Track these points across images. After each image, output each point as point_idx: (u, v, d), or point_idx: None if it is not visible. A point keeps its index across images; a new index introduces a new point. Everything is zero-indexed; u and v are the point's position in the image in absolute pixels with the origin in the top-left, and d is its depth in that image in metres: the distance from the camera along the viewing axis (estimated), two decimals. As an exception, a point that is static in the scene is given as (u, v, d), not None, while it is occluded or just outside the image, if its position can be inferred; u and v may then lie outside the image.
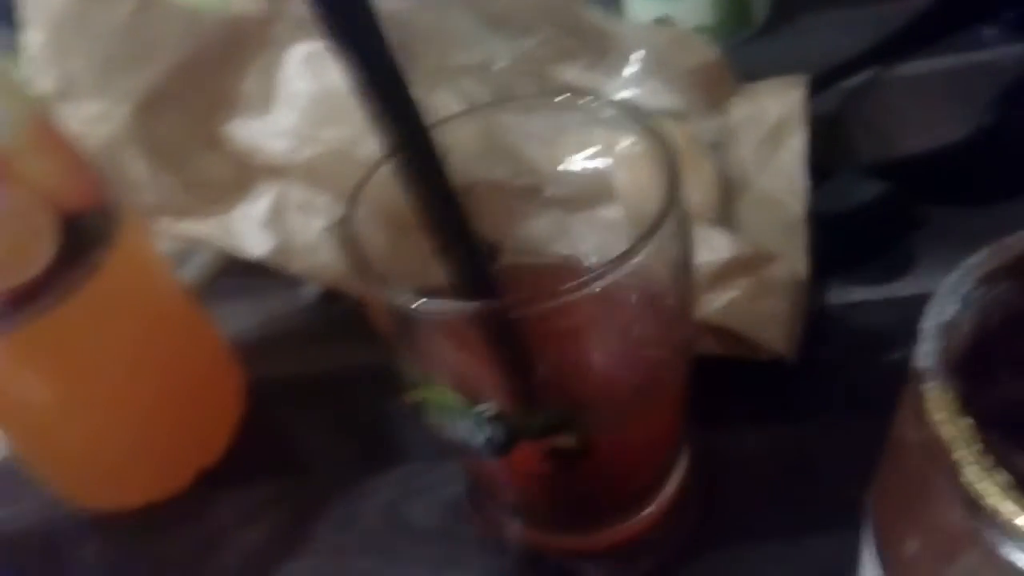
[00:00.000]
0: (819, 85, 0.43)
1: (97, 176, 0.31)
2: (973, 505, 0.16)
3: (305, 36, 0.38)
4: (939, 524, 0.18)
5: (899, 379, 0.20)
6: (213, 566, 0.33)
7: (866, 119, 0.43)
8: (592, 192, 0.30)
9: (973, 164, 0.39)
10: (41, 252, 0.28)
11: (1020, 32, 0.46)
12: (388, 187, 0.27)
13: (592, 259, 0.30)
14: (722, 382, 0.31)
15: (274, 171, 0.39)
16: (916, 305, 0.19)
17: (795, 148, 0.38)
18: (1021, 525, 0.15)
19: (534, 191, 0.32)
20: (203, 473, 0.35)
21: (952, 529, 0.17)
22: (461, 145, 0.29)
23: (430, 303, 0.21)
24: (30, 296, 0.28)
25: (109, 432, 0.33)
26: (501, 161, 0.31)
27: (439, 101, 0.39)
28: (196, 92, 0.39)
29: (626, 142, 0.27)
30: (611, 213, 0.29)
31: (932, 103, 0.44)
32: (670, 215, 0.22)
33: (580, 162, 0.29)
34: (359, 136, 0.37)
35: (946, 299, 0.18)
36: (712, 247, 0.33)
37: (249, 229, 0.39)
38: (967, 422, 0.16)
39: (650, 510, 0.29)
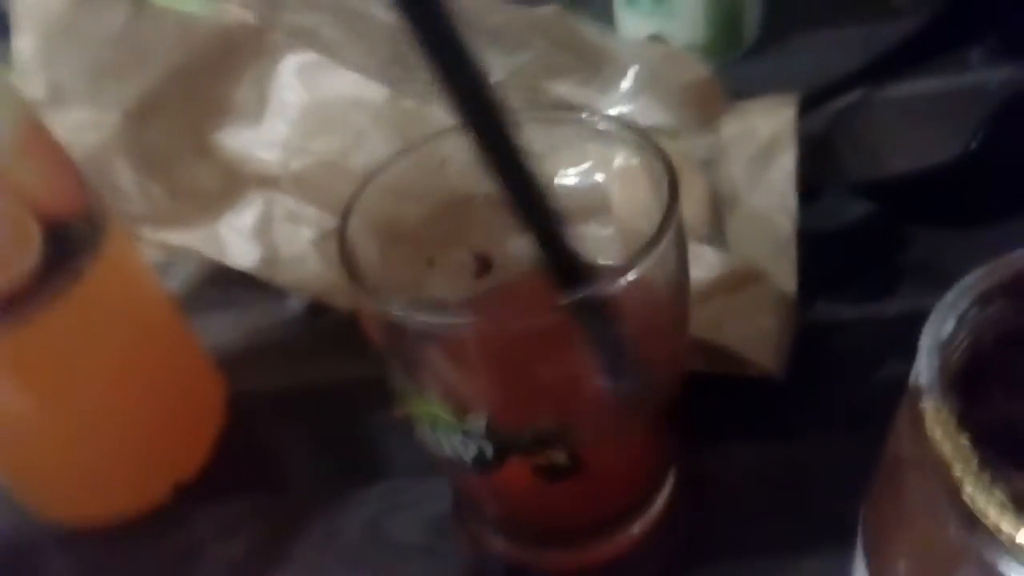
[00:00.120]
0: (809, 104, 0.43)
1: (83, 183, 0.31)
2: (972, 522, 0.15)
3: (298, 46, 0.38)
4: (935, 541, 0.17)
5: (887, 397, 0.20)
6: (191, 580, 0.32)
7: (855, 139, 0.44)
8: (584, 207, 0.30)
9: (961, 185, 0.40)
10: (26, 258, 0.28)
11: (1008, 55, 0.47)
12: (381, 199, 0.27)
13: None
14: (711, 399, 0.31)
15: (263, 181, 0.38)
16: (903, 324, 0.20)
17: (785, 166, 0.38)
18: (1021, 542, 0.15)
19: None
20: (181, 487, 0.34)
21: (948, 546, 0.17)
22: (455, 158, 0.29)
23: (422, 313, 0.21)
24: (14, 303, 0.27)
25: (86, 443, 0.32)
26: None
27: (432, 116, 0.38)
28: (187, 101, 0.39)
29: (622, 157, 0.27)
30: (604, 229, 0.29)
31: (920, 124, 0.44)
32: (668, 229, 0.22)
33: (573, 177, 0.29)
34: (349, 148, 0.37)
35: (943, 317, 0.18)
36: (702, 264, 0.33)
37: (236, 239, 0.38)
38: (965, 439, 0.16)
39: (637, 528, 0.29)
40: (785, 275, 0.35)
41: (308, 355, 0.39)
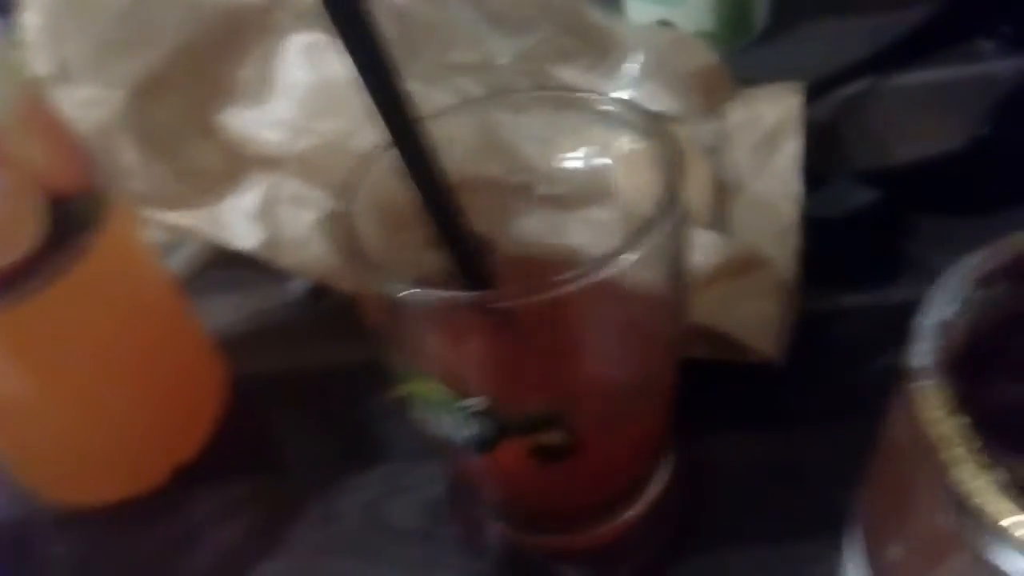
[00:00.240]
0: (816, 92, 0.43)
1: (87, 160, 0.31)
2: (961, 506, 0.15)
3: (305, 26, 0.38)
4: (927, 525, 0.17)
5: (887, 384, 0.19)
6: (188, 564, 0.32)
7: (862, 127, 0.43)
8: (587, 191, 0.30)
9: (966, 174, 0.40)
10: (28, 234, 0.28)
11: (1016, 46, 0.46)
12: (383, 180, 0.27)
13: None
14: (710, 384, 0.31)
15: (267, 162, 0.38)
16: (905, 312, 0.19)
17: (790, 153, 0.38)
18: (1007, 526, 0.15)
19: (529, 189, 0.32)
20: (181, 468, 0.35)
21: (940, 530, 0.17)
22: (456, 140, 0.28)
23: (423, 292, 0.21)
24: (16, 278, 0.27)
25: (85, 424, 0.33)
26: (496, 157, 0.31)
27: (436, 99, 0.38)
28: (193, 79, 0.39)
29: (626, 140, 0.27)
30: (606, 213, 0.29)
31: (928, 114, 0.44)
32: (669, 212, 0.22)
33: (576, 161, 0.29)
34: (355, 129, 0.37)
35: (943, 299, 0.18)
36: (704, 249, 0.33)
37: (239, 221, 0.38)
38: (963, 420, 0.16)
39: (633, 512, 0.29)
40: (787, 262, 0.35)
41: (309, 338, 0.39)
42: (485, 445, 0.23)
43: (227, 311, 0.41)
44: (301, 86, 0.37)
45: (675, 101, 0.41)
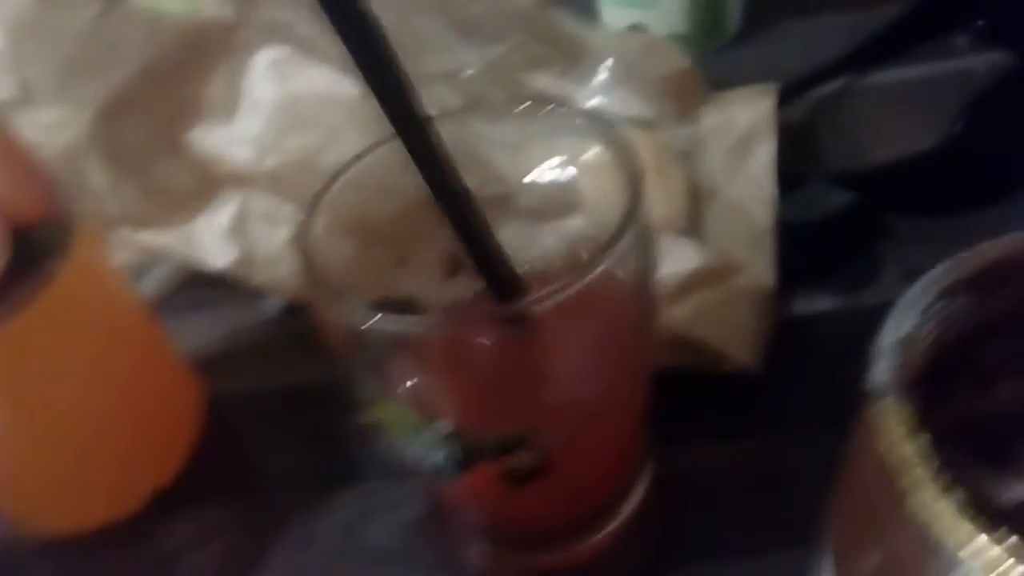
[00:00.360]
0: (791, 93, 0.43)
1: (51, 185, 0.30)
2: (927, 527, 0.15)
3: (271, 42, 0.38)
4: (893, 546, 0.17)
5: (863, 390, 0.19)
6: (166, 589, 0.32)
7: (836, 128, 0.43)
8: (560, 202, 0.30)
9: (942, 173, 0.39)
10: (-8, 262, 0.27)
11: (990, 41, 0.46)
12: (351, 196, 0.26)
13: (559, 269, 0.30)
14: (686, 394, 0.31)
15: (238, 180, 0.38)
16: (883, 315, 0.19)
17: (763, 157, 0.37)
18: (968, 553, 0.14)
19: (502, 200, 0.31)
20: (157, 494, 0.34)
21: (905, 551, 0.17)
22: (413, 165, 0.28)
23: (384, 320, 0.21)
24: (-20, 308, 0.27)
25: (59, 451, 0.32)
26: (468, 170, 0.31)
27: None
28: (159, 99, 0.38)
29: (591, 152, 0.27)
30: (579, 223, 0.29)
31: (902, 112, 0.44)
32: (629, 229, 0.21)
33: (548, 172, 0.29)
34: (325, 144, 0.37)
35: (904, 315, 0.18)
36: (678, 257, 0.33)
37: (211, 240, 0.38)
38: (922, 441, 0.16)
39: (611, 528, 0.28)
40: (763, 267, 0.35)
41: (286, 356, 0.39)
42: (455, 469, 0.23)
43: (201, 331, 0.40)
44: (268, 102, 0.37)
45: (648, 106, 0.41)
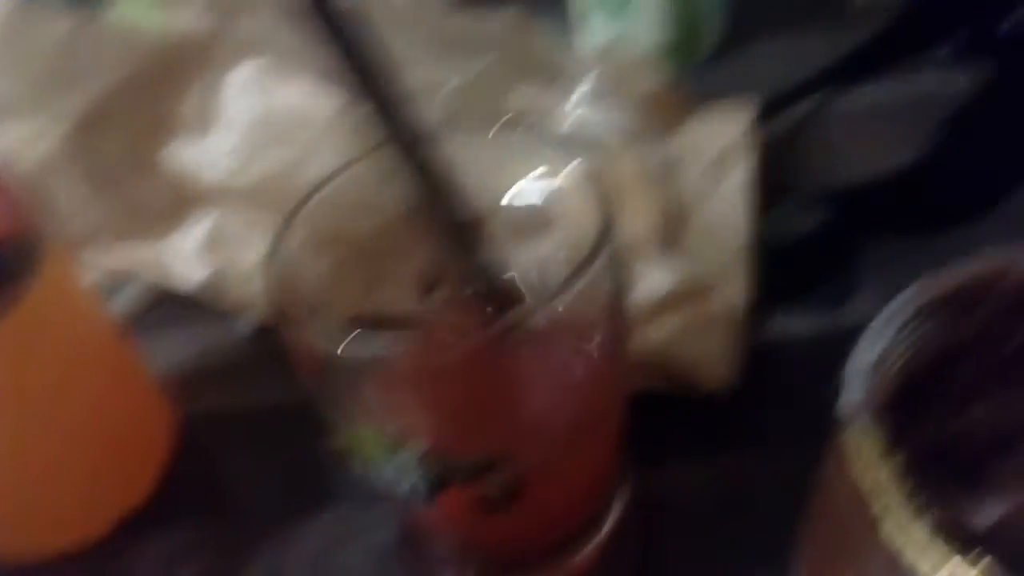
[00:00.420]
0: (769, 110, 0.43)
1: (19, 202, 0.30)
2: (896, 554, 0.15)
3: (246, 57, 0.37)
4: (866, 569, 0.17)
5: (838, 414, 0.19)
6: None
7: (814, 145, 0.43)
8: (534, 222, 0.30)
9: (916, 192, 0.40)
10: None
11: (967, 59, 0.47)
12: (327, 212, 0.26)
13: (533, 292, 0.30)
14: (661, 416, 0.30)
15: (212, 197, 0.38)
16: (857, 334, 0.19)
17: (741, 175, 0.38)
18: (941, 577, 0.14)
19: (476, 221, 0.31)
20: (129, 515, 0.34)
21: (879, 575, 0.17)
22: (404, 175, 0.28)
23: (356, 342, 0.20)
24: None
25: (28, 473, 0.31)
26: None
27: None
28: (134, 114, 0.38)
29: (564, 173, 0.27)
30: (551, 245, 0.29)
31: (875, 131, 0.44)
32: (601, 252, 0.21)
33: (522, 192, 0.29)
34: (300, 159, 0.37)
35: (874, 338, 0.18)
36: (652, 280, 0.33)
37: (184, 256, 0.38)
38: (894, 465, 0.16)
39: (588, 551, 0.28)
40: (739, 286, 0.35)
41: (260, 376, 0.38)
42: (427, 494, 0.23)
43: (174, 350, 0.40)
44: (244, 118, 0.36)
45: (626, 124, 0.41)
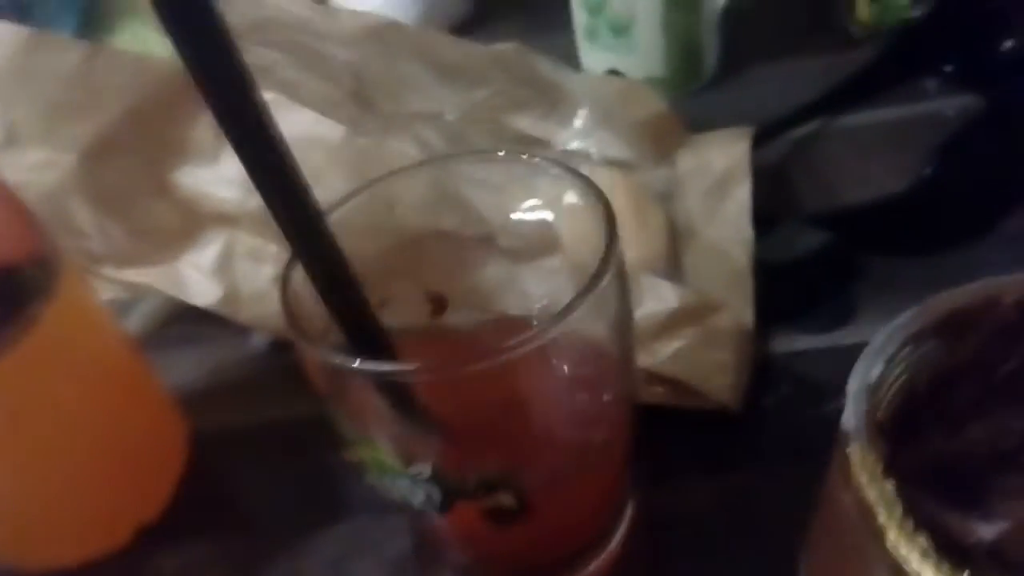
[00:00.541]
0: (765, 136, 0.44)
1: (35, 227, 0.31)
2: (897, 571, 0.16)
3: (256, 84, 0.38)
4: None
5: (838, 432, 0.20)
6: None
7: (811, 170, 0.44)
8: (539, 243, 0.30)
9: (915, 214, 0.40)
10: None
11: (961, 84, 0.47)
12: (337, 235, 0.27)
13: (540, 311, 0.30)
14: (667, 433, 0.31)
15: (222, 219, 0.38)
16: (858, 353, 0.20)
17: (740, 198, 0.38)
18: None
19: (484, 241, 0.32)
20: (142, 530, 0.34)
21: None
22: (411, 194, 0.29)
23: (363, 364, 0.21)
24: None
25: (45, 489, 0.32)
26: (450, 211, 0.32)
27: (396, 148, 0.39)
28: (144, 140, 0.39)
29: (569, 195, 0.27)
30: (556, 264, 0.30)
31: (875, 154, 0.44)
32: (606, 273, 0.22)
33: (528, 212, 0.30)
34: (309, 184, 0.37)
35: (873, 359, 0.19)
36: (658, 297, 0.33)
37: (197, 277, 0.38)
38: (889, 485, 0.16)
39: (595, 566, 0.28)
40: (742, 307, 0.35)
41: (273, 392, 0.39)
42: (437, 508, 0.23)
43: (188, 367, 0.40)
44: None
45: (626, 149, 0.41)
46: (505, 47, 0.45)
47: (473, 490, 0.23)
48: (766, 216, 0.39)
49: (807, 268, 0.39)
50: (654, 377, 0.33)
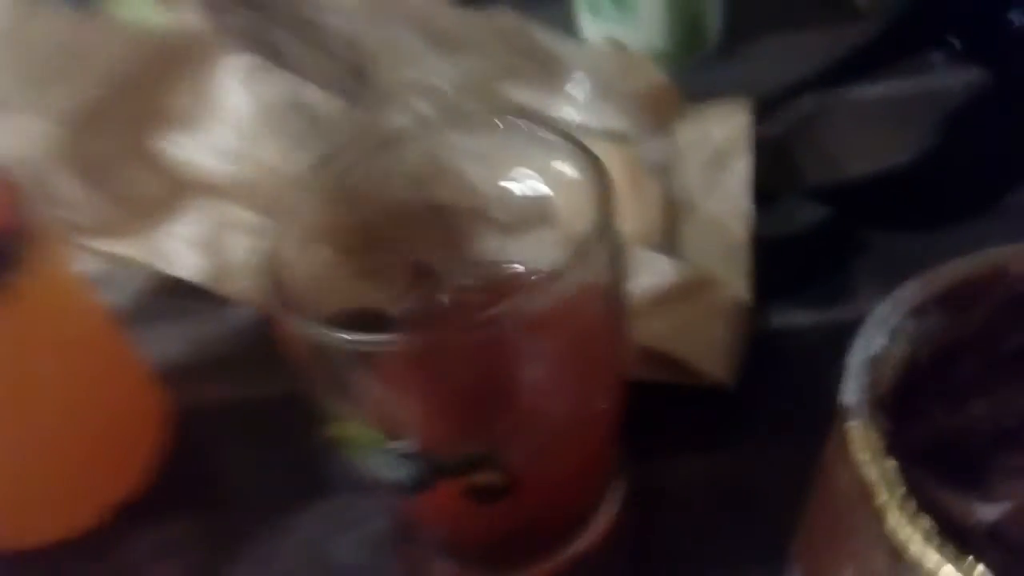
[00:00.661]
0: (766, 109, 0.43)
1: (12, 195, 0.30)
2: (896, 552, 0.15)
3: (241, 51, 0.37)
4: (866, 567, 0.17)
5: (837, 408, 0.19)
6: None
7: (812, 143, 0.43)
8: (534, 214, 0.29)
9: (917, 189, 0.39)
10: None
11: (966, 58, 0.46)
12: (317, 204, 0.26)
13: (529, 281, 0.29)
14: (660, 409, 0.30)
15: (208, 189, 0.37)
16: (857, 329, 0.19)
17: (740, 172, 0.37)
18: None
19: (476, 211, 0.31)
20: (121, 507, 0.33)
21: (879, 569, 0.16)
22: (404, 166, 0.28)
23: (343, 336, 0.20)
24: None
25: (19, 464, 0.31)
26: (444, 183, 0.31)
27: (392, 119, 0.38)
28: (130, 108, 0.38)
29: (564, 165, 0.26)
30: (550, 236, 0.29)
31: (878, 128, 0.44)
32: (599, 241, 0.21)
33: (523, 183, 0.29)
34: (292, 153, 0.36)
35: (874, 333, 0.18)
36: (654, 271, 0.33)
37: (181, 249, 0.37)
38: (891, 464, 0.15)
39: (583, 543, 0.28)
40: (739, 282, 0.34)
41: (258, 366, 0.38)
42: (417, 487, 0.22)
43: (172, 341, 0.40)
44: (238, 112, 0.36)
45: (624, 120, 0.40)
46: (502, 16, 0.44)
47: (457, 467, 0.22)
48: (766, 190, 0.38)
49: (807, 243, 0.38)
50: (647, 353, 0.32)
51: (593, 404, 0.25)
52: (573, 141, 0.25)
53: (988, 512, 0.18)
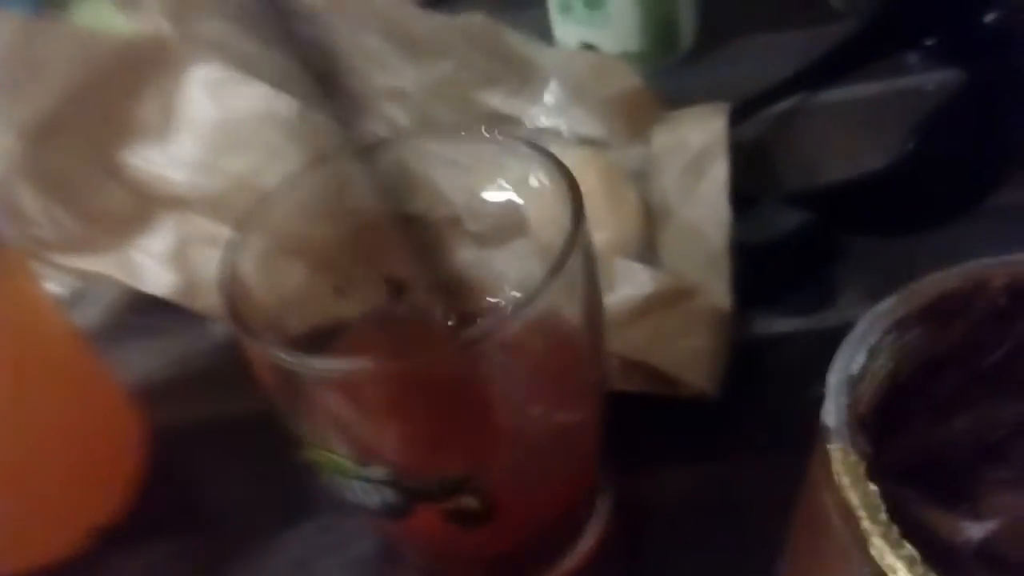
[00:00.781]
0: (743, 112, 0.42)
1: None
2: (879, 571, 0.14)
3: (205, 59, 0.36)
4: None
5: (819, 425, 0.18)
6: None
7: (790, 146, 0.43)
8: (507, 225, 0.29)
9: (895, 192, 0.39)
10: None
11: (943, 59, 0.46)
12: (287, 218, 0.25)
13: (510, 295, 0.29)
14: (643, 421, 0.30)
15: (175, 202, 0.37)
16: (840, 335, 0.18)
17: (717, 177, 0.37)
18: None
19: (451, 224, 0.30)
20: (99, 531, 0.32)
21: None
22: (377, 177, 0.27)
23: (312, 361, 0.19)
24: None
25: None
26: (416, 191, 0.30)
27: (364, 127, 0.37)
28: (90, 119, 0.37)
29: (537, 176, 0.26)
30: (524, 247, 0.28)
31: (855, 130, 0.43)
32: (572, 255, 0.20)
33: (495, 194, 0.28)
34: (263, 165, 0.36)
35: (853, 351, 0.17)
36: (632, 281, 0.32)
37: (150, 264, 0.36)
38: (872, 489, 0.15)
39: (571, 560, 0.27)
40: (719, 289, 0.34)
41: (235, 384, 0.37)
42: (395, 512, 0.22)
43: (145, 359, 0.39)
44: (205, 123, 0.35)
45: (599, 126, 0.40)
46: (473, 19, 0.43)
47: (435, 492, 0.21)
48: (744, 195, 0.38)
49: (786, 249, 0.37)
50: (628, 365, 0.31)
51: (573, 420, 0.24)
52: (543, 151, 0.24)
53: (976, 530, 0.18)
